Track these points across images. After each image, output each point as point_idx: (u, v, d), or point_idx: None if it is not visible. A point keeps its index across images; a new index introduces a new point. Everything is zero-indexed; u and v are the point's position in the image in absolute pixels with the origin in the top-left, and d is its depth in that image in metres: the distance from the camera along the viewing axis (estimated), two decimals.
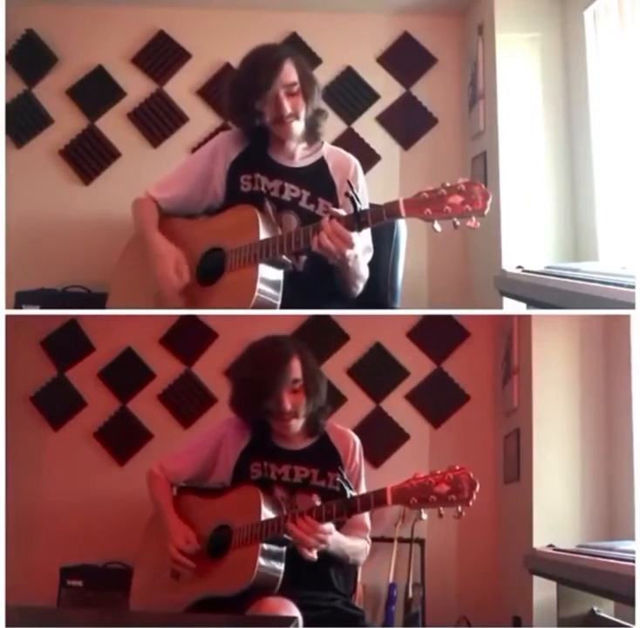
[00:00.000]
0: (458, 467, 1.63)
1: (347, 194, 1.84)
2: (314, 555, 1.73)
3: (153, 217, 2.14)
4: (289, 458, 1.96)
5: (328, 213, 1.99)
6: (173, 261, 2.01)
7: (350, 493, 1.73)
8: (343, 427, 2.06)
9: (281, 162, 2.15)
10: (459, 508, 1.60)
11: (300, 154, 2.17)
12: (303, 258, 2.08)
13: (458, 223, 1.75)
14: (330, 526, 1.74)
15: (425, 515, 1.65)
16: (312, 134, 2.15)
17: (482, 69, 3.32)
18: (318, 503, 1.76)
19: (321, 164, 2.17)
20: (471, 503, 1.60)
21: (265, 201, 2.09)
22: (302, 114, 2.06)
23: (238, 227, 2.00)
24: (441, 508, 1.62)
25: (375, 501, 1.70)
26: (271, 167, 2.13)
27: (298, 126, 2.07)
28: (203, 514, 1.94)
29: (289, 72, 2.03)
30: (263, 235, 1.95)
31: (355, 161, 2.20)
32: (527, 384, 2.86)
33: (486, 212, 1.74)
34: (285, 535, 1.78)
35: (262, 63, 2.03)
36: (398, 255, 2.44)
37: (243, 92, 2.04)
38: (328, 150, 2.20)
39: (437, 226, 1.76)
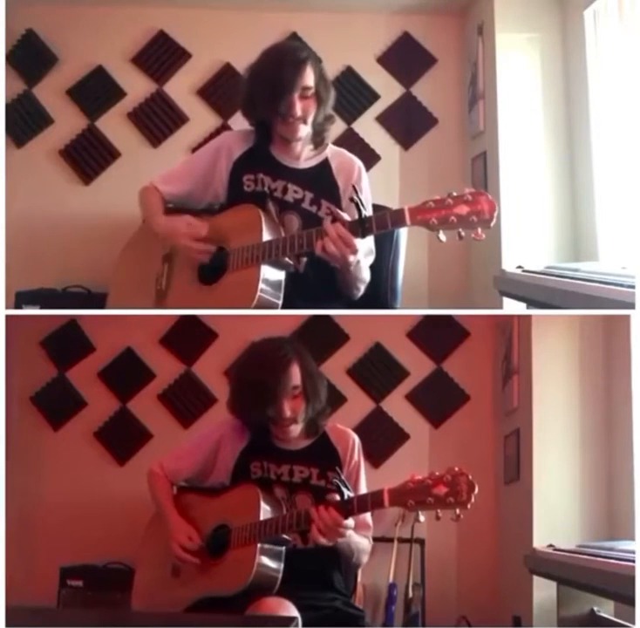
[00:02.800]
0: (457, 469, 1.60)
1: (352, 200, 1.84)
2: (327, 541, 1.72)
3: (159, 203, 2.16)
4: (289, 458, 1.96)
5: (330, 215, 1.99)
6: (185, 225, 2.05)
7: (347, 494, 1.72)
8: (344, 427, 2.06)
9: (285, 163, 2.15)
10: (457, 511, 1.58)
11: (304, 156, 2.16)
12: (304, 260, 2.08)
13: (463, 234, 1.74)
14: (351, 521, 1.73)
15: (422, 518, 1.62)
16: (318, 138, 2.16)
17: (482, 69, 3.32)
18: (337, 498, 1.73)
19: (324, 165, 2.17)
20: (469, 506, 1.57)
21: (268, 201, 2.09)
22: (311, 119, 2.07)
23: (241, 227, 2.00)
24: (439, 511, 1.59)
25: (372, 502, 1.70)
26: (275, 167, 2.13)
27: (304, 130, 2.08)
28: (203, 513, 1.95)
29: (308, 76, 2.04)
30: (266, 236, 1.95)
31: (359, 163, 2.19)
32: (527, 384, 2.85)
33: (492, 224, 1.72)
34: (284, 535, 1.78)
35: (287, 62, 2.04)
36: (399, 254, 2.44)
37: (268, 88, 2.03)
38: (332, 151, 2.20)
39: (442, 236, 1.74)
